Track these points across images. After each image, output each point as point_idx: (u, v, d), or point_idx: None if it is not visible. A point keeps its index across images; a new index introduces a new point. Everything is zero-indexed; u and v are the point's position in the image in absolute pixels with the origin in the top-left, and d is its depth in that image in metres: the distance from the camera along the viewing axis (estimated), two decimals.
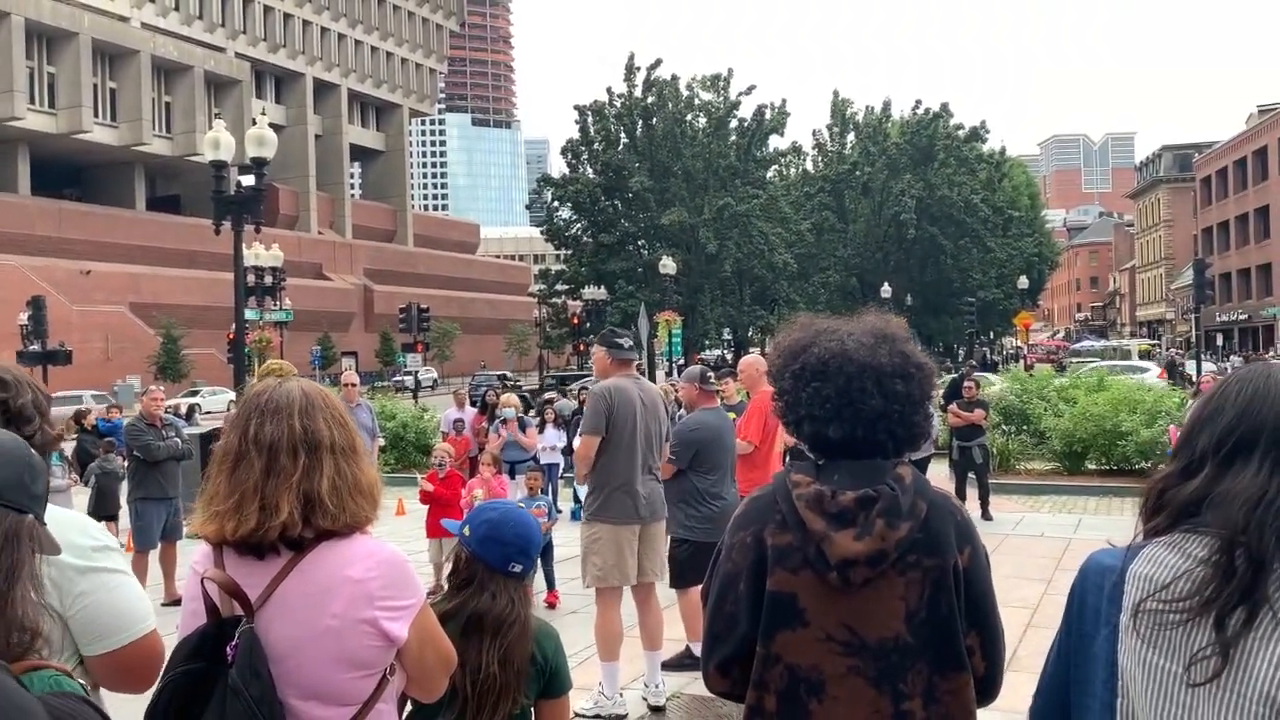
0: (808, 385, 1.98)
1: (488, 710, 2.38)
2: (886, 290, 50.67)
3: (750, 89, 51.62)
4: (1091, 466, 15.81)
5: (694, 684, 6.20)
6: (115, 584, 1.98)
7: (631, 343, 6.03)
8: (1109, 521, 12.20)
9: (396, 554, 1.96)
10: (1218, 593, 1.35)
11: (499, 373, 55.25)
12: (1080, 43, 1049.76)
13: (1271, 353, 51.43)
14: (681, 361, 34.83)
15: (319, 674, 1.85)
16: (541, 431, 12.93)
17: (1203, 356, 29.04)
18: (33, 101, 51.98)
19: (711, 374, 6.71)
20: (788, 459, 7.46)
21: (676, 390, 11.57)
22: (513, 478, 10.62)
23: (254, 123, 16.35)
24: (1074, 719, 1.55)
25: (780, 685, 1.92)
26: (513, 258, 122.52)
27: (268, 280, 31.35)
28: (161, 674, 1.88)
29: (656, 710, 5.81)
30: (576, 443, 10.92)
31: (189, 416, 27.86)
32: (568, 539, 9.12)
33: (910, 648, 1.87)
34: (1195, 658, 1.36)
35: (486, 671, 2.39)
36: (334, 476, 1.91)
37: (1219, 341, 66.83)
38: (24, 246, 49.39)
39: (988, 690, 1.98)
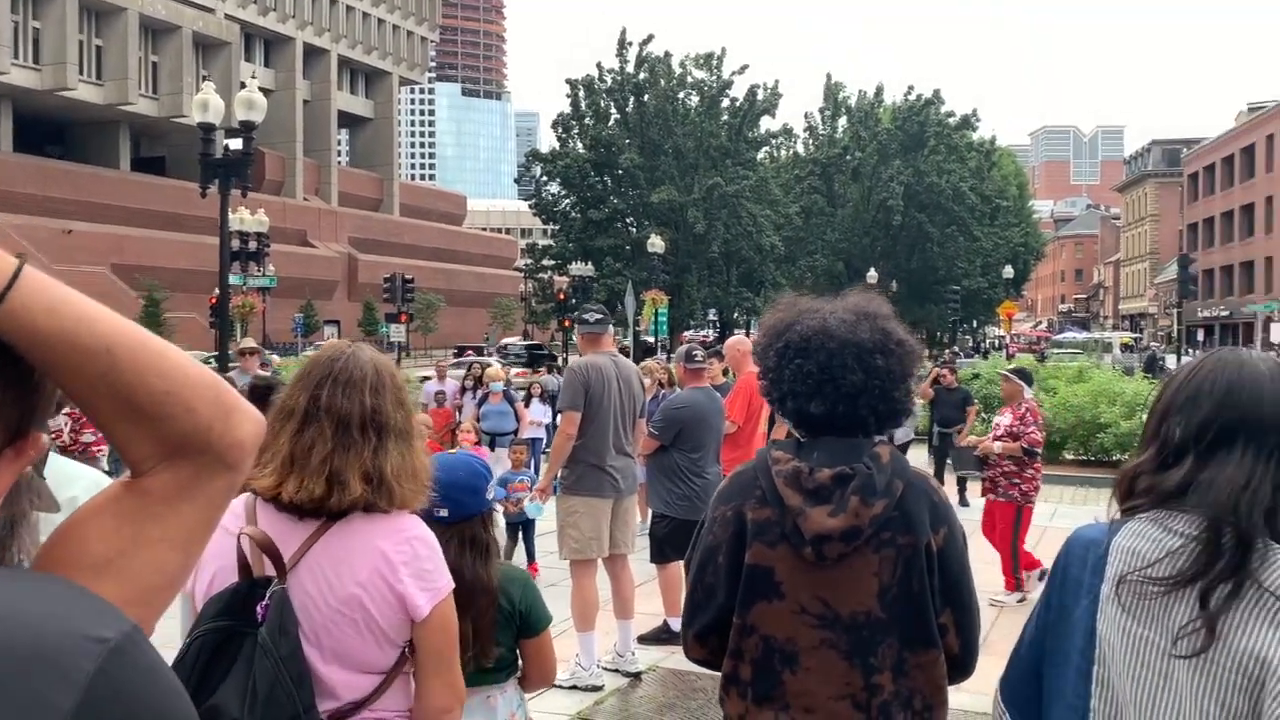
0: (790, 362, 2.02)
1: None
2: (872, 275, 50.72)
3: (743, 69, 51.40)
4: (1069, 456, 15.96)
5: (670, 658, 6.28)
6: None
7: (599, 316, 5.94)
8: (1084, 511, 12.34)
9: (429, 534, 2.00)
10: (1206, 568, 1.40)
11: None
12: (1074, 34, 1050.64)
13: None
14: (667, 340, 34.86)
15: (344, 638, 1.89)
16: (527, 405, 12.98)
17: (1183, 351, 29.28)
18: (17, 56, 51.28)
19: (699, 352, 6.74)
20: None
21: (663, 370, 11.59)
22: (493, 450, 10.65)
23: (242, 86, 16.23)
24: (1047, 687, 1.59)
25: (755, 654, 1.97)
26: (500, 231, 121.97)
27: (252, 246, 31.15)
28: (190, 630, 1.90)
29: (633, 676, 5.89)
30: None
31: None
32: (547, 513, 9.18)
33: (882, 623, 1.92)
34: (1182, 631, 1.41)
35: None
36: (398, 460, 1.95)
37: (1200, 337, 67.34)
38: (5, 204, 48.83)
39: (963, 667, 2.03)
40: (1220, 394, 1.51)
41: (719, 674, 2.09)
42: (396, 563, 1.90)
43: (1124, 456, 15.31)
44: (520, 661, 2.65)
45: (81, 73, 53.81)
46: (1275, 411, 1.48)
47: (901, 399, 2.04)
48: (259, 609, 1.83)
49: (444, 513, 2.42)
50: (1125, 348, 49.80)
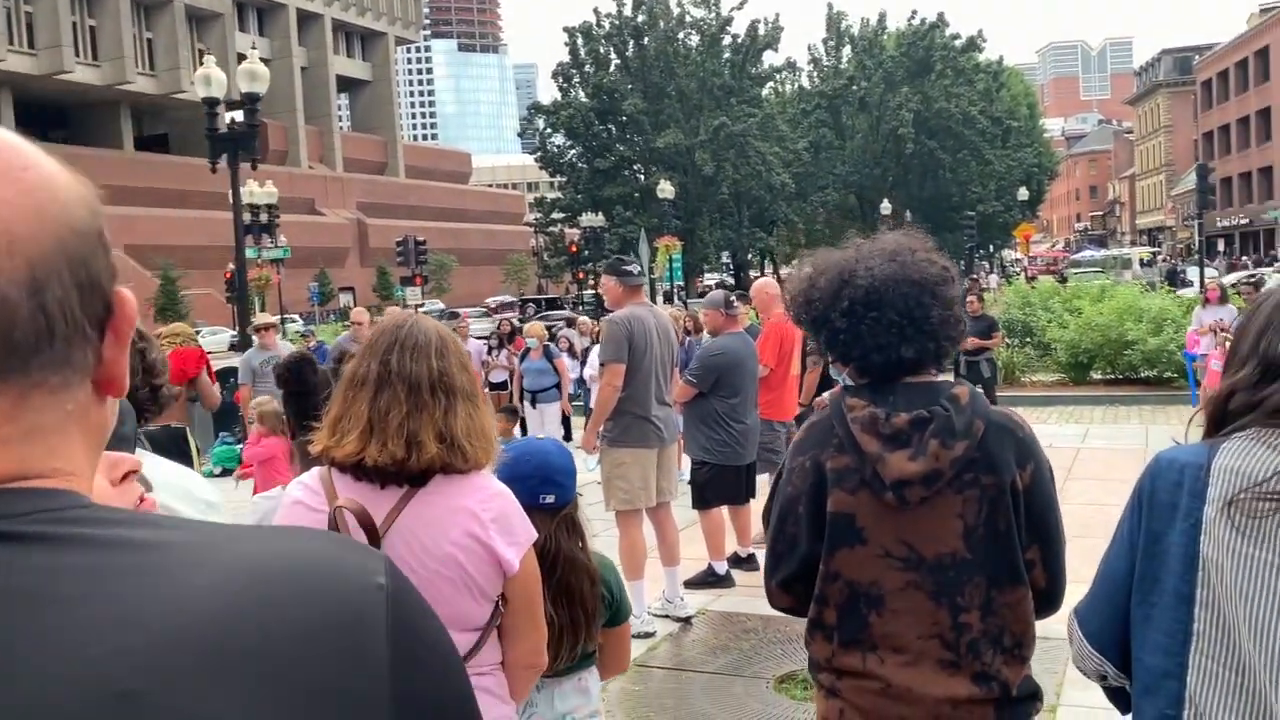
0: (864, 318, 1.98)
1: (551, 651, 2.35)
2: (886, 207, 50.28)
3: (742, 3, 50.68)
4: (1097, 376, 15.88)
5: (718, 601, 6.34)
6: None
7: (640, 268, 6.04)
8: (1116, 430, 12.31)
9: (508, 491, 2.06)
10: None
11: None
12: None
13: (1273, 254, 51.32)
14: (683, 286, 34.75)
15: (443, 597, 1.93)
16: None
17: (1205, 263, 28.94)
18: (12, 43, 51.01)
19: (735, 298, 6.73)
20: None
21: (685, 318, 11.57)
22: (534, 407, 10.76)
23: (240, 57, 16.13)
24: (1136, 613, 1.58)
25: (840, 600, 1.98)
26: (506, 186, 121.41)
27: (263, 218, 31.06)
28: None
29: (683, 621, 5.96)
30: (588, 374, 11.00)
31: None
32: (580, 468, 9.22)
33: (968, 563, 1.92)
34: None
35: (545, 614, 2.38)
36: (467, 419, 2.00)
37: (1220, 247, 66.60)
38: None
39: (1050, 601, 2.04)
40: None
41: (796, 619, 2.11)
42: (486, 520, 1.96)
43: (1152, 373, 15.24)
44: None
45: (77, 55, 53.54)
46: None
47: (963, 317, 2.07)
48: None
49: (550, 498, 2.43)
50: (1144, 262, 49.24)
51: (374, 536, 1.89)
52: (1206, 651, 1.48)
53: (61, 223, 0.66)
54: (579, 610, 2.43)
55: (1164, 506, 1.54)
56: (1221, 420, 1.54)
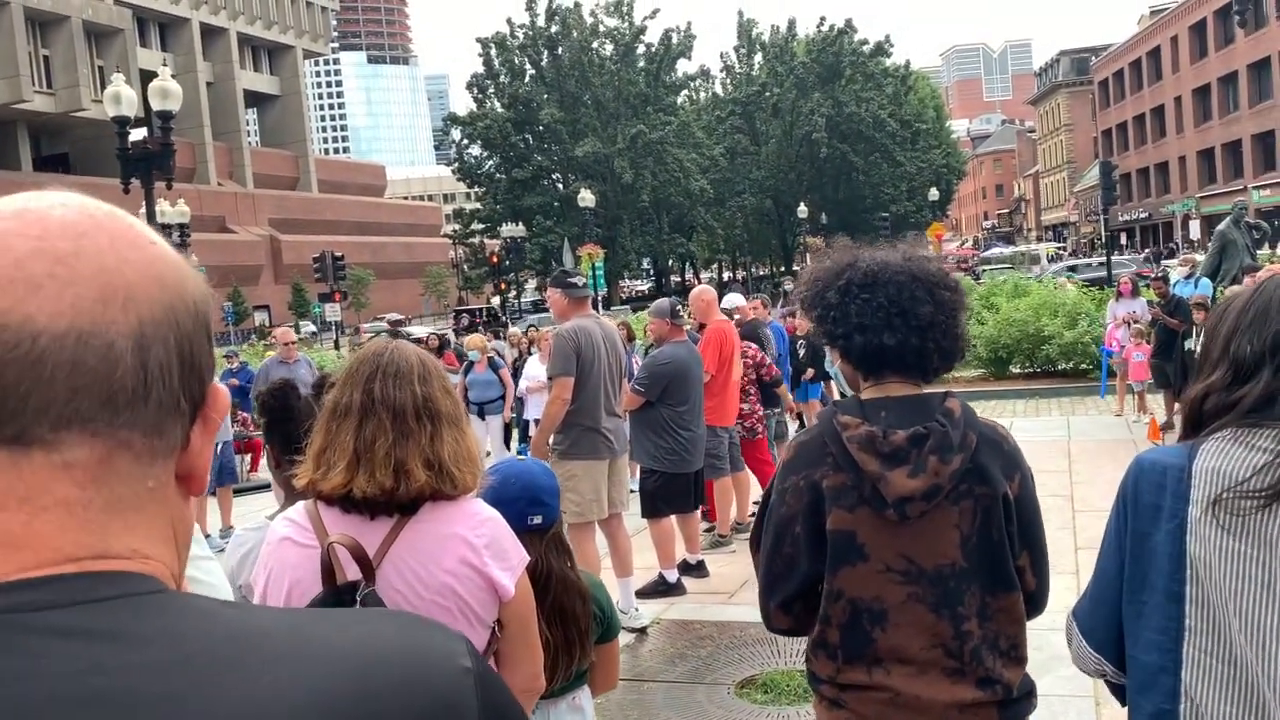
0: (855, 298, 2.02)
1: (547, 672, 2.33)
2: (802, 210, 51.02)
3: (654, 13, 51.01)
4: (1016, 370, 16.29)
5: (670, 609, 6.37)
6: (211, 569, 2.03)
7: (584, 280, 6.05)
8: (1038, 422, 12.66)
9: (498, 515, 2.03)
10: None
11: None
12: None
13: (1173, 247, 53.34)
14: (605, 294, 34.73)
15: None
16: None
17: (1111, 256, 29.89)
18: None
19: (681, 308, 6.77)
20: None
21: (620, 325, 11.61)
22: (482, 419, 10.66)
23: (144, 74, 15.71)
24: (1128, 611, 1.62)
25: (842, 619, 1.99)
26: (422, 198, 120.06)
27: (175, 237, 30.25)
28: None
29: (639, 631, 5.96)
30: (523, 387, 10.95)
31: None
32: None
33: (965, 571, 1.96)
34: None
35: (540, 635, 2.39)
36: (453, 444, 1.96)
37: (1122, 240, 69.00)
38: None
39: (1037, 604, 2.09)
40: None
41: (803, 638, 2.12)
42: (479, 546, 1.93)
43: (1069, 366, 15.71)
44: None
45: None
46: None
47: (962, 335, 2.07)
48: None
49: (538, 519, 2.41)
50: (1050, 258, 50.69)
51: (368, 570, 1.85)
52: (1200, 646, 1.52)
53: (176, 296, 0.67)
54: (573, 630, 2.42)
55: (1148, 508, 1.58)
56: (1198, 422, 1.59)
